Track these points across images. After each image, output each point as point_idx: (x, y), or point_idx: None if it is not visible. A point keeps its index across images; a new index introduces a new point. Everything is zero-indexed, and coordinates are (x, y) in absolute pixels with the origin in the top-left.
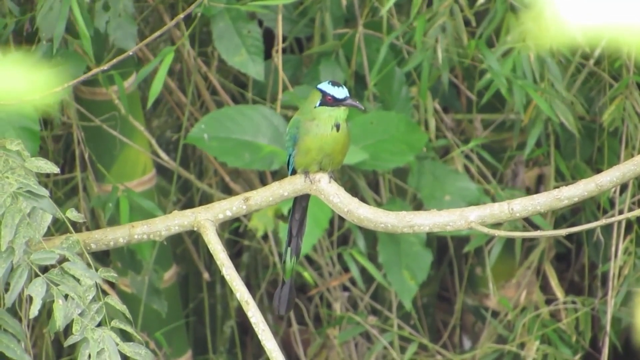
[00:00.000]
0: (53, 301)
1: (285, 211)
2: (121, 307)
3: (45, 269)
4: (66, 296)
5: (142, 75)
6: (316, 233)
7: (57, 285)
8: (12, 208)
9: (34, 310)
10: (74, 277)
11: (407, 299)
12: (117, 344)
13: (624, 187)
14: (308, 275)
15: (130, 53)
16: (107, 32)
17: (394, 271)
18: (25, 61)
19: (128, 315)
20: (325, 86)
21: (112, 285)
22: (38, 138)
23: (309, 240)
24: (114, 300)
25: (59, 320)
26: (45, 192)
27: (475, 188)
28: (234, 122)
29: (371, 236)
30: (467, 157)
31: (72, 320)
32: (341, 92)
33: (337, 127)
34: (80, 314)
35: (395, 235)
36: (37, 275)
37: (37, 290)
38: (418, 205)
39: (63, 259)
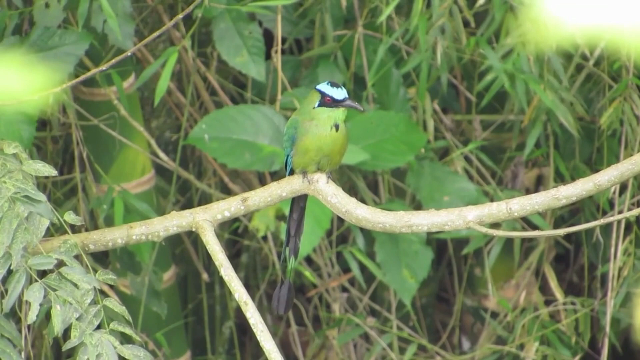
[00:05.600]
0: (51, 306)
1: (286, 211)
2: (120, 308)
3: (43, 273)
4: (64, 300)
5: (144, 77)
6: (317, 233)
7: (54, 290)
8: (9, 213)
9: (32, 316)
10: (71, 282)
11: (407, 297)
12: (116, 347)
13: (623, 188)
14: (309, 274)
15: (129, 53)
16: (104, 32)
17: (393, 270)
18: (19, 49)
19: (127, 316)
20: (324, 87)
21: (111, 286)
22: (31, 143)
23: (310, 240)
24: (112, 302)
25: (57, 326)
26: (42, 196)
27: (474, 189)
28: (234, 122)
29: (370, 235)
30: (467, 158)
31: (71, 324)
32: (340, 93)
33: (336, 127)
34: (78, 319)
35: (393, 235)
36: (35, 280)
37: (35, 296)
38: (417, 206)
39: (61, 263)
